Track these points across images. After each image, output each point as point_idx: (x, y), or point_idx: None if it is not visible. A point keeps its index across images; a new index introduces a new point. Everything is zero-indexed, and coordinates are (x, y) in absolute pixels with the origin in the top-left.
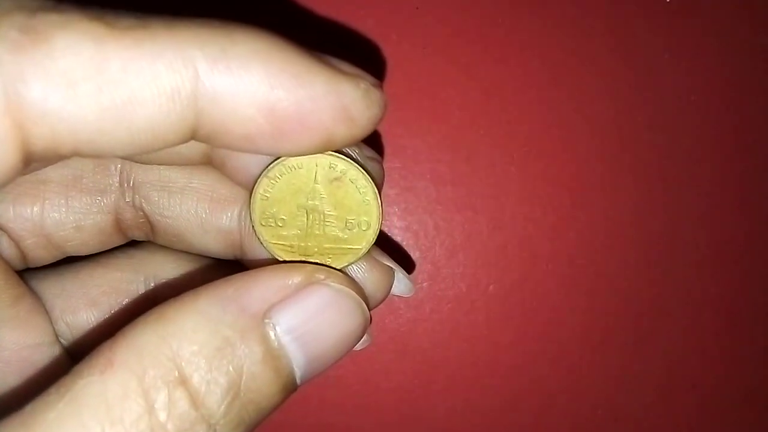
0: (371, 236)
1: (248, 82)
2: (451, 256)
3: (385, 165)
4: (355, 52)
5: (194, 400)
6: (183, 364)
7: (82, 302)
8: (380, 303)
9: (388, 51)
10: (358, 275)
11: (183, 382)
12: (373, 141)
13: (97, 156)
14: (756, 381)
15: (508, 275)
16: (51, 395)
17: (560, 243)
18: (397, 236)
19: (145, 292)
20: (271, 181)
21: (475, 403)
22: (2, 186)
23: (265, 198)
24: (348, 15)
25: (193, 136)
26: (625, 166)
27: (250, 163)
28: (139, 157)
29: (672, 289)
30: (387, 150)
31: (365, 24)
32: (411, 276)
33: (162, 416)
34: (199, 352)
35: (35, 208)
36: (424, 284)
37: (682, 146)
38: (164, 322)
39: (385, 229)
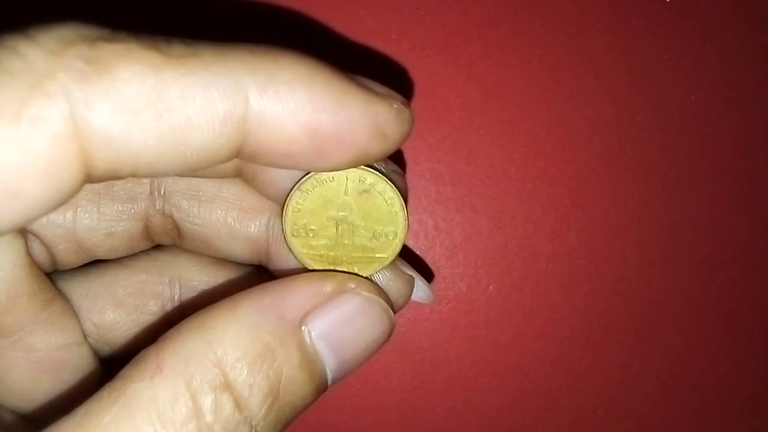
0: (397, 245)
1: (294, 105)
2: (451, 256)
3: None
4: (356, 53)
5: (238, 403)
6: (228, 369)
7: (109, 303)
8: (402, 308)
9: (388, 51)
10: (383, 282)
11: (228, 386)
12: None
13: (151, 176)
14: (756, 381)
15: (508, 275)
16: (104, 399)
17: (560, 243)
18: None
19: (170, 293)
20: (304, 193)
21: (475, 403)
22: (60, 205)
23: (297, 210)
24: (348, 15)
25: (238, 154)
26: (625, 166)
27: (279, 176)
28: None
29: (672, 289)
30: None
31: (365, 24)
32: (431, 284)
33: (209, 418)
34: (242, 357)
35: (68, 215)
36: None
37: (682, 146)
38: (208, 329)
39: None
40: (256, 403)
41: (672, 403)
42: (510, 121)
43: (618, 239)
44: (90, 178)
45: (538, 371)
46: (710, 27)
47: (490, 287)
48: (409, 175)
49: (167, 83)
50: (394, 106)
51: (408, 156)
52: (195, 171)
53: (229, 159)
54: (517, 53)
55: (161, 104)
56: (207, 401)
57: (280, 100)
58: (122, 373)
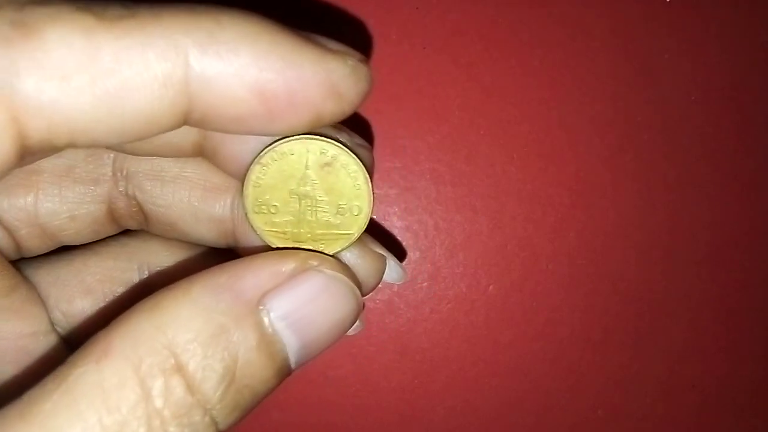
0: (363, 221)
1: (237, 65)
2: (451, 256)
3: (385, 165)
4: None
5: (190, 387)
6: (179, 351)
7: (77, 291)
8: (373, 289)
9: (388, 51)
10: (351, 261)
11: (179, 369)
12: (371, 139)
13: (92, 146)
14: (756, 381)
15: (508, 275)
16: (47, 385)
17: (560, 243)
18: (397, 236)
19: (140, 279)
20: (263, 167)
21: (475, 403)
22: None
23: (258, 185)
24: (348, 15)
25: (186, 120)
26: (626, 166)
27: (241, 152)
28: (132, 148)
29: (672, 289)
30: (387, 150)
31: (365, 24)
32: (403, 264)
33: (159, 403)
34: (195, 339)
35: (29, 199)
36: (424, 284)
37: (683, 146)
38: (159, 310)
39: (385, 230)
40: (211, 386)
41: (672, 403)
42: (510, 121)
43: (618, 239)
44: (25, 149)
45: (538, 371)
46: (710, 27)
47: (490, 287)
48: (409, 175)
49: (100, 46)
50: (349, 62)
51: (408, 156)
52: (141, 138)
53: (176, 125)
54: (517, 53)
55: (94, 68)
56: (156, 385)
57: (222, 60)
58: (69, 358)
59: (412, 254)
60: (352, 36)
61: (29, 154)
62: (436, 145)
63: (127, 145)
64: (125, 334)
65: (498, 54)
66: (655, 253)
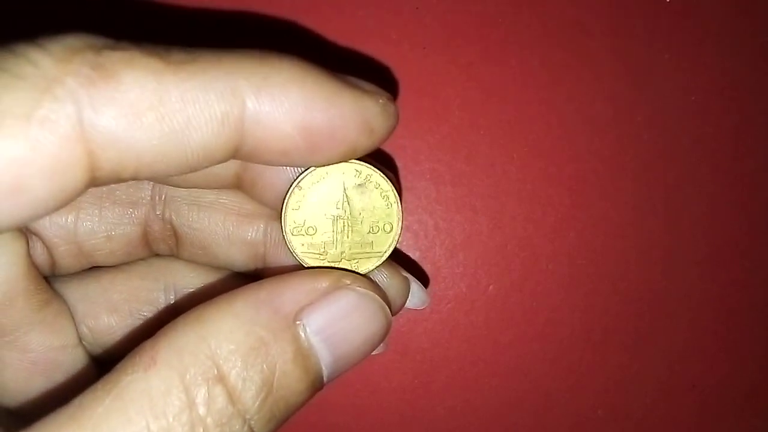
0: (393, 238)
1: (288, 105)
2: (451, 256)
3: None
4: (355, 52)
5: (231, 396)
6: (221, 362)
7: (104, 308)
8: (399, 310)
9: (388, 51)
10: (380, 282)
11: (221, 379)
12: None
13: (151, 178)
14: (756, 381)
15: (508, 275)
16: (98, 391)
17: (560, 243)
18: None
19: (165, 299)
20: (301, 190)
21: (475, 403)
22: (63, 206)
23: (296, 208)
24: (348, 15)
25: (235, 154)
26: (625, 166)
27: (278, 182)
28: (176, 180)
29: (672, 289)
30: (387, 150)
31: (365, 24)
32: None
33: (202, 411)
34: (236, 351)
35: (70, 217)
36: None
37: (682, 146)
38: (203, 322)
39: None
40: (250, 397)
41: (672, 403)
42: (510, 121)
43: (618, 239)
44: (94, 180)
45: (538, 371)
46: (710, 27)
47: (490, 287)
48: (409, 175)
49: (168, 87)
50: (381, 101)
51: (408, 156)
52: (196, 170)
53: (227, 158)
54: (517, 53)
55: (163, 107)
56: (200, 393)
57: (274, 101)
58: (118, 366)
59: (411, 254)
60: (353, 38)
61: (95, 185)
62: (436, 145)
63: (173, 179)
64: (171, 345)
65: (498, 54)
66: (655, 253)
